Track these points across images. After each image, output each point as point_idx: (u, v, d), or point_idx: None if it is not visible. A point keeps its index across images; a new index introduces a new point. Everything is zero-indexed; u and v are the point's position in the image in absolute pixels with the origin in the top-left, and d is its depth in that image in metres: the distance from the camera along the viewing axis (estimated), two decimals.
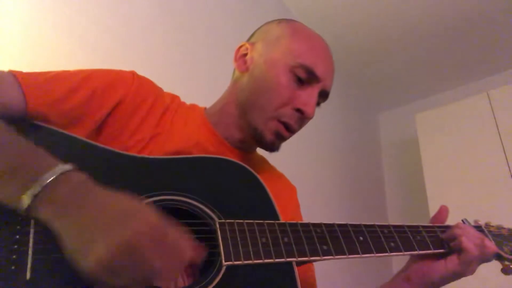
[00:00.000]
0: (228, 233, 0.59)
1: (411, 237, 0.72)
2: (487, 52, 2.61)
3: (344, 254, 0.64)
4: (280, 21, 0.84)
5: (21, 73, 0.65)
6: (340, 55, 2.69)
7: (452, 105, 2.45)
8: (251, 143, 0.80)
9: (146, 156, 0.67)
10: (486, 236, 0.77)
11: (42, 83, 0.65)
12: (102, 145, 0.63)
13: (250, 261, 0.57)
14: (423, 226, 0.75)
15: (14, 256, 0.47)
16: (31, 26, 1.17)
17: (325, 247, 0.63)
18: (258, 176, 0.70)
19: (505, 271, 0.75)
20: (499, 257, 0.76)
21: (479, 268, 0.73)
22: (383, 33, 2.52)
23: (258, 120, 0.76)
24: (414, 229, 0.73)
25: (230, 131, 0.80)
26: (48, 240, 0.50)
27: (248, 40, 0.85)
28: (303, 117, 0.76)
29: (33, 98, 0.62)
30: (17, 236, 0.49)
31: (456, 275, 0.72)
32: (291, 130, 0.77)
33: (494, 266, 0.78)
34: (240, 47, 0.83)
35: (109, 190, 0.48)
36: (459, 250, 0.71)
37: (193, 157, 0.70)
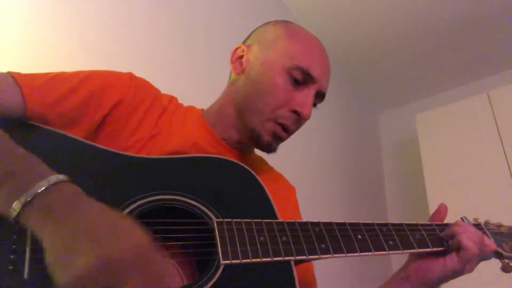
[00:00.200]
0: (226, 232, 0.59)
1: (410, 236, 0.72)
2: (487, 52, 2.61)
3: (343, 252, 0.64)
4: (276, 22, 0.84)
5: (19, 74, 0.65)
6: (340, 55, 2.70)
7: (452, 105, 2.45)
8: (248, 143, 0.80)
9: (145, 156, 0.67)
10: (485, 234, 0.77)
11: (41, 84, 0.65)
12: (100, 146, 0.63)
13: (248, 260, 0.57)
14: (422, 225, 0.75)
15: (12, 256, 0.48)
16: (31, 26, 1.17)
17: (323, 246, 0.63)
18: (257, 176, 0.70)
19: (505, 269, 0.75)
20: (498, 255, 0.76)
21: (478, 266, 0.73)
22: (383, 33, 2.52)
23: (255, 121, 0.76)
24: (413, 227, 0.73)
25: (228, 132, 0.81)
26: None
27: (244, 42, 0.86)
28: (299, 118, 0.76)
29: (31, 99, 0.62)
30: (15, 236, 0.49)
31: (455, 273, 0.72)
32: (288, 131, 0.77)
33: (494, 264, 0.78)
34: (236, 49, 0.83)
35: (101, 205, 0.47)
36: (458, 248, 0.71)
37: (192, 157, 0.70)
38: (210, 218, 0.60)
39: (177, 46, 1.62)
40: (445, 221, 0.80)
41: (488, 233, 0.78)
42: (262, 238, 0.60)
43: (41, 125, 0.62)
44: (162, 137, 0.73)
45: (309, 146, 2.25)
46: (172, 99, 0.83)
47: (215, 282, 0.55)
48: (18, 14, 1.15)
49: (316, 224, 0.66)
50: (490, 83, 2.69)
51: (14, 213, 0.45)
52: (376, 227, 0.70)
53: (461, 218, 0.79)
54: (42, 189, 0.45)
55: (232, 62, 0.83)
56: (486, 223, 0.82)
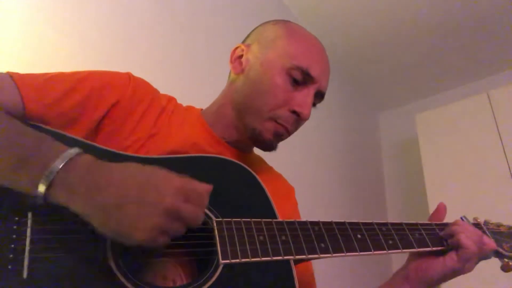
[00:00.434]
0: (225, 232, 0.59)
1: (410, 235, 0.72)
2: (487, 52, 2.61)
3: (342, 252, 0.64)
4: (275, 22, 0.84)
5: (18, 74, 0.65)
6: (340, 55, 2.70)
7: (452, 105, 2.45)
8: (248, 143, 0.80)
9: (144, 155, 0.67)
10: (485, 233, 0.77)
11: (40, 84, 0.65)
12: (100, 145, 0.63)
13: (247, 259, 0.57)
14: (422, 224, 0.75)
15: (11, 255, 0.48)
16: (31, 26, 1.17)
17: (323, 245, 0.63)
18: (256, 175, 0.70)
19: (504, 268, 0.75)
20: (498, 255, 0.76)
21: (477, 265, 0.73)
22: (383, 33, 2.52)
23: (255, 121, 0.76)
24: (413, 227, 0.73)
25: (227, 132, 0.81)
26: (45, 239, 0.50)
27: (244, 41, 0.86)
28: (299, 119, 0.76)
29: (30, 100, 0.62)
30: (14, 236, 0.49)
31: (454, 273, 0.72)
32: (287, 131, 0.77)
33: (493, 264, 0.78)
34: (236, 48, 0.83)
35: (119, 164, 0.51)
36: (457, 247, 0.71)
37: (191, 156, 0.70)
38: (209, 217, 0.60)
39: (177, 46, 1.62)
40: (444, 221, 0.80)
41: (487, 232, 0.78)
42: (261, 238, 0.60)
43: (40, 125, 0.62)
44: (161, 136, 0.73)
45: (309, 146, 2.25)
46: (171, 99, 0.83)
47: (214, 282, 0.55)
48: (18, 14, 1.15)
49: (316, 223, 0.66)
50: (490, 83, 2.69)
51: (42, 195, 0.48)
52: (375, 226, 0.70)
53: (461, 218, 0.79)
54: (61, 165, 0.48)
55: (231, 61, 0.83)
56: (486, 222, 0.82)
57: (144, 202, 0.47)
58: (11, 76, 0.63)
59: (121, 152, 0.65)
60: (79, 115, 0.67)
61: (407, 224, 0.73)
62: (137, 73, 0.80)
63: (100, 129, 0.70)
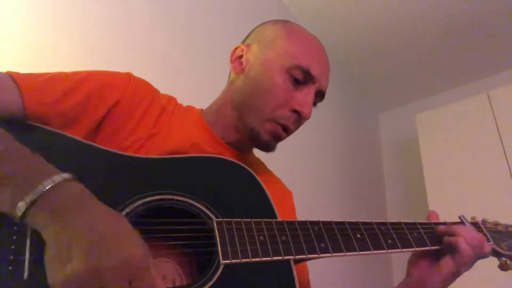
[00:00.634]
0: (225, 232, 0.59)
1: (409, 234, 0.72)
2: (487, 52, 2.61)
3: (342, 251, 0.64)
4: (275, 22, 0.84)
5: (18, 74, 0.65)
6: (340, 55, 2.70)
7: (452, 105, 2.45)
8: (247, 143, 0.80)
9: (144, 156, 0.67)
10: (482, 231, 0.77)
11: (40, 84, 0.65)
12: (99, 146, 0.63)
13: (247, 259, 0.57)
14: (420, 223, 0.75)
15: (11, 257, 0.48)
16: (31, 26, 1.17)
17: (323, 245, 0.63)
18: (256, 175, 0.70)
19: (502, 267, 0.75)
20: (495, 254, 0.76)
21: (476, 264, 0.73)
22: (383, 33, 2.52)
23: (255, 121, 0.76)
24: (412, 226, 0.74)
25: (227, 132, 0.81)
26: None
27: (244, 41, 0.86)
28: (300, 118, 0.76)
29: (30, 99, 0.62)
30: (14, 237, 0.49)
31: (454, 275, 0.71)
32: (288, 131, 0.78)
33: (491, 262, 0.78)
34: (236, 48, 0.83)
35: (104, 207, 0.48)
36: (453, 251, 0.71)
37: (191, 157, 0.70)
38: (209, 217, 0.60)
39: (177, 46, 1.62)
40: (444, 220, 0.80)
41: (485, 231, 0.78)
42: (261, 238, 0.60)
43: (40, 125, 0.62)
44: (161, 136, 0.73)
45: (309, 146, 2.25)
46: (171, 99, 0.83)
47: (214, 282, 0.55)
48: (18, 14, 1.15)
49: (316, 223, 0.66)
50: (490, 83, 2.69)
51: (20, 213, 0.46)
52: (375, 226, 0.70)
53: (459, 217, 0.79)
54: (47, 188, 0.46)
55: (231, 61, 0.83)
56: (484, 221, 0.82)
57: (88, 255, 0.42)
58: (11, 75, 0.63)
59: (120, 152, 0.64)
60: (79, 115, 0.67)
61: (406, 223, 0.73)
62: (137, 73, 0.80)
63: (100, 129, 0.70)
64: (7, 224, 0.49)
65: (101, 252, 0.43)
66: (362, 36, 2.56)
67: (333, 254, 0.63)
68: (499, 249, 0.76)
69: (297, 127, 0.79)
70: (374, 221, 0.71)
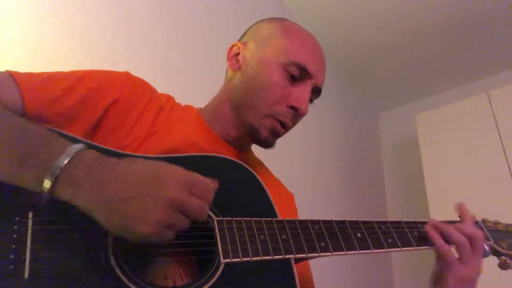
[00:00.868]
0: (226, 231, 0.59)
1: (409, 233, 0.72)
2: (487, 52, 2.61)
3: (342, 250, 0.64)
4: (270, 19, 0.85)
5: (18, 73, 0.65)
6: (340, 55, 2.70)
7: (452, 105, 2.45)
8: (246, 140, 0.81)
9: (144, 155, 0.67)
10: (483, 230, 0.77)
11: (39, 83, 0.66)
12: (99, 144, 0.63)
13: (248, 258, 0.57)
14: (420, 222, 0.75)
15: (12, 256, 0.47)
16: (31, 26, 1.17)
17: (323, 244, 0.63)
18: (256, 174, 0.70)
19: (502, 266, 0.75)
20: (495, 252, 0.76)
21: None
22: (383, 33, 2.52)
23: (253, 117, 0.77)
24: (412, 225, 0.74)
25: (226, 129, 0.81)
26: (46, 239, 0.50)
27: (240, 39, 0.86)
28: (297, 114, 0.77)
29: (30, 98, 0.63)
30: (15, 236, 0.49)
31: (463, 281, 0.68)
32: (285, 127, 0.78)
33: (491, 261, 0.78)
34: (232, 46, 0.84)
35: (124, 159, 0.52)
36: (438, 254, 0.70)
37: (190, 156, 0.70)
38: (210, 216, 0.60)
39: (177, 46, 1.63)
40: (443, 220, 0.79)
41: (485, 230, 0.79)
42: (262, 237, 0.60)
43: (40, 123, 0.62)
44: (159, 135, 0.73)
45: (309, 146, 2.25)
46: (169, 98, 0.83)
47: (215, 281, 0.55)
48: (18, 14, 1.15)
49: (316, 222, 0.66)
50: (490, 83, 2.69)
51: (46, 190, 0.48)
52: (375, 225, 0.70)
53: (459, 216, 0.79)
54: (66, 161, 0.48)
55: (228, 59, 0.84)
56: (484, 220, 0.82)
57: (148, 196, 0.47)
58: (11, 75, 0.64)
59: (119, 151, 0.64)
60: (78, 114, 0.67)
61: (406, 222, 0.73)
62: (136, 73, 0.80)
63: (99, 128, 0.70)
64: (7, 223, 0.49)
65: (160, 185, 0.48)
66: (362, 36, 2.56)
67: (334, 253, 0.63)
68: (499, 248, 0.76)
69: (294, 124, 0.80)
70: (374, 220, 0.71)
